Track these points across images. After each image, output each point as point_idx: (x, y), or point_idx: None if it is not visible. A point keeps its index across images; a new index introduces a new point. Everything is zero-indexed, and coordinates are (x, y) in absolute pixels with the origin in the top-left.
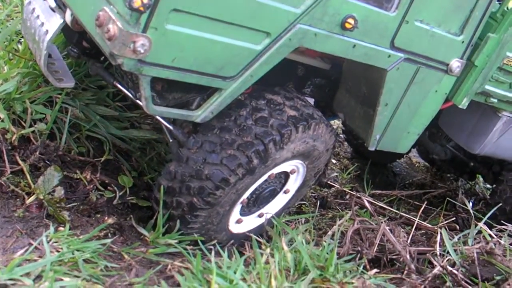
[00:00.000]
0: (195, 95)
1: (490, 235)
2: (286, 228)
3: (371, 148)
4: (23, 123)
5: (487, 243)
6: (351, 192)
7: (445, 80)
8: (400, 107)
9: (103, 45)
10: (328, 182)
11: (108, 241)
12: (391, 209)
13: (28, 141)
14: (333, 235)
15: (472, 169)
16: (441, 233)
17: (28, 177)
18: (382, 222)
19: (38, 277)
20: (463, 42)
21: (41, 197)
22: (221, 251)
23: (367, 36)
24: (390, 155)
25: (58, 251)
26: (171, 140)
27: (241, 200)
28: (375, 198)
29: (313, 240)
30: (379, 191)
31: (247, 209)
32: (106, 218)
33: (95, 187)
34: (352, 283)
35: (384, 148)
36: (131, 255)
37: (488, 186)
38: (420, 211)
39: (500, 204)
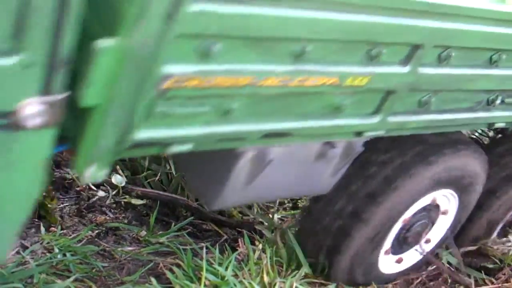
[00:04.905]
0: None
1: None
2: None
3: None
4: None
5: None
6: None
7: (25, 143)
8: None
9: None
10: None
11: (101, 241)
12: None
13: None
14: None
15: None
16: None
17: None
18: None
19: (30, 278)
20: (32, 64)
21: None
22: (211, 248)
23: None
24: None
25: (50, 252)
26: None
27: None
28: None
29: None
30: None
31: None
32: (98, 217)
33: (87, 186)
34: None
35: None
36: (123, 254)
37: None
38: None
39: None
